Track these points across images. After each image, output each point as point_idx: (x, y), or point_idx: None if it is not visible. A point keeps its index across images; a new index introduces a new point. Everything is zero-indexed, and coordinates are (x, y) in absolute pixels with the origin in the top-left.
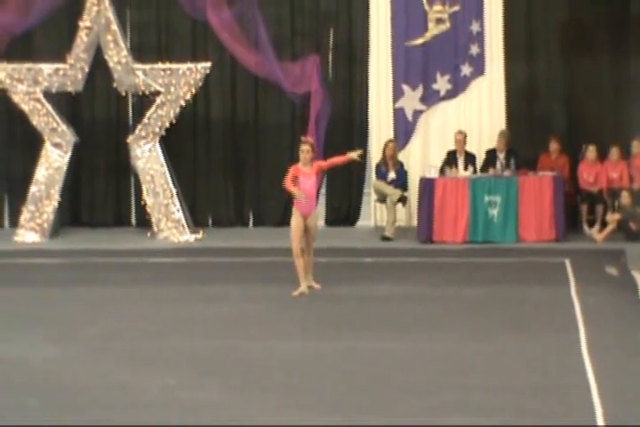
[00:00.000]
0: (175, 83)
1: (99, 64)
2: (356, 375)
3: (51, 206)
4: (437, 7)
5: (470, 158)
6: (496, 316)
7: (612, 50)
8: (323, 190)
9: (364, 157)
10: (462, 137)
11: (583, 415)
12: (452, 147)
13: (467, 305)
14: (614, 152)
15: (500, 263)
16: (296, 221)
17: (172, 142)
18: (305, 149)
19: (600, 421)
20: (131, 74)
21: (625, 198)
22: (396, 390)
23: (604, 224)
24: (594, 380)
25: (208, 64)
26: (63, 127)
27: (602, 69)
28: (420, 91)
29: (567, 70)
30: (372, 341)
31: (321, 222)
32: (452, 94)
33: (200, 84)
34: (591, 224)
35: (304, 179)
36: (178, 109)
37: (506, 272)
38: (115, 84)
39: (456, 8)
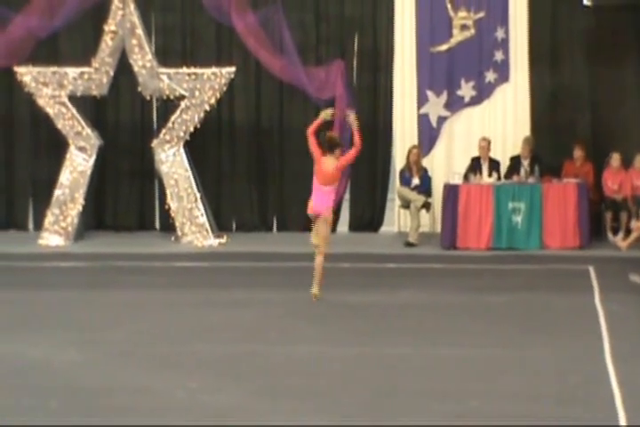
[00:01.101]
0: (200, 87)
1: (124, 68)
2: (376, 381)
3: (75, 210)
4: (462, 13)
5: (494, 165)
6: (519, 323)
7: (636, 57)
8: (347, 196)
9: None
10: (486, 144)
11: (607, 423)
12: (475, 153)
13: (490, 312)
14: (638, 160)
15: (524, 270)
16: (309, 206)
17: (196, 147)
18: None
19: None
20: (155, 78)
21: None
22: (417, 396)
23: (628, 232)
24: (617, 388)
25: (233, 69)
26: (88, 131)
27: (626, 76)
28: (444, 97)
29: (592, 77)
30: (393, 346)
31: (345, 228)
32: (476, 101)
33: (225, 88)
34: (615, 232)
35: (325, 160)
36: (202, 114)
37: (529, 279)
38: (139, 89)
39: (481, 14)
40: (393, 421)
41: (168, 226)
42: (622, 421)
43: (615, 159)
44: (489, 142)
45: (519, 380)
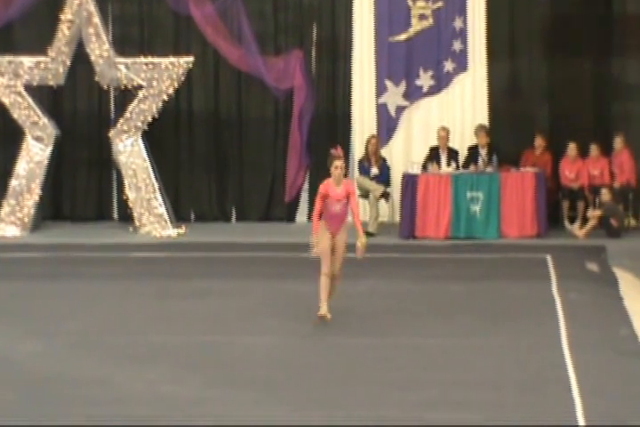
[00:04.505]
0: (157, 77)
1: (80, 57)
2: (338, 371)
3: (32, 200)
4: (421, 3)
5: (453, 154)
6: (478, 312)
7: (594, 48)
8: (306, 186)
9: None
10: (445, 133)
11: (564, 411)
12: (434, 143)
13: (449, 301)
14: (594, 149)
15: (482, 259)
16: (323, 238)
17: (154, 137)
18: (339, 165)
19: (580, 416)
20: (113, 68)
21: (605, 195)
22: (378, 386)
23: (585, 220)
24: (574, 375)
25: (190, 58)
26: (44, 121)
27: (584, 67)
28: (402, 87)
29: (549, 67)
30: (354, 336)
31: (304, 218)
32: (434, 90)
33: (182, 78)
34: (572, 220)
35: (333, 201)
36: (160, 104)
37: (488, 268)
38: (96, 78)
39: (439, 4)
40: (354, 410)
41: (126, 216)
42: (579, 407)
43: (572, 149)
44: (448, 132)
45: (478, 368)
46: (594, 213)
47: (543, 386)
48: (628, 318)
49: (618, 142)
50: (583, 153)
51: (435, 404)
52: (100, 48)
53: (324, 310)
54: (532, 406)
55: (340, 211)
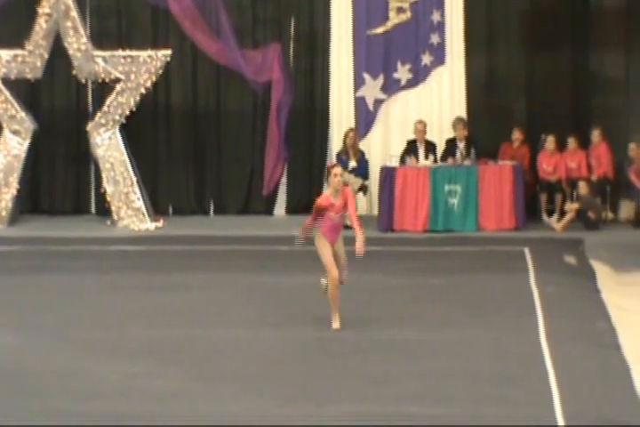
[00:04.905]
0: (135, 70)
1: (58, 51)
2: (316, 364)
3: (9, 194)
4: None
5: (431, 147)
6: (456, 304)
7: (571, 42)
8: (284, 179)
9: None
10: (422, 126)
11: (542, 403)
12: (412, 136)
13: (427, 294)
14: (572, 142)
15: (460, 252)
16: (322, 242)
17: (132, 130)
18: (338, 173)
19: (558, 409)
20: (90, 61)
21: (583, 188)
22: (356, 379)
23: (562, 213)
24: (552, 368)
25: (169, 52)
26: (22, 114)
27: (561, 60)
28: (380, 80)
29: (527, 60)
30: (331, 330)
31: (282, 211)
32: (412, 84)
33: (161, 71)
34: (550, 213)
35: (332, 213)
36: (138, 97)
37: (466, 261)
38: (74, 72)
39: None
40: (330, 404)
41: (104, 210)
42: (556, 399)
43: (550, 142)
44: (425, 125)
45: (455, 361)
46: (571, 206)
47: (521, 379)
48: (606, 310)
49: (595, 135)
50: (561, 146)
51: (412, 397)
52: (77, 41)
53: (336, 324)
54: (509, 400)
55: (338, 221)
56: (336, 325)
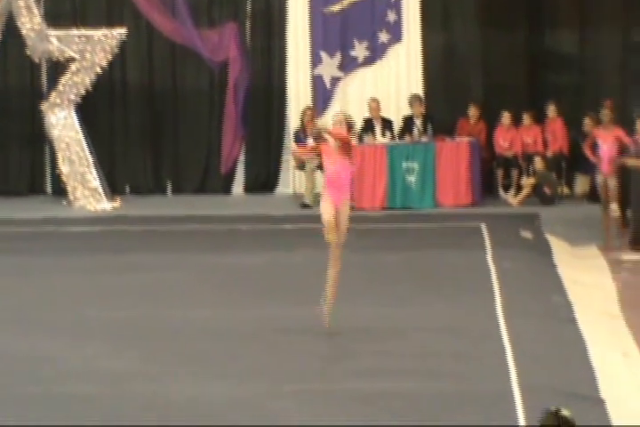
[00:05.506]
0: (90, 49)
1: (11, 31)
2: (275, 343)
3: None
4: None
5: (387, 124)
6: (414, 281)
7: (527, 19)
8: (242, 157)
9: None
10: (376, 104)
11: (498, 378)
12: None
13: (385, 271)
14: (527, 118)
15: (418, 229)
16: (326, 206)
17: (88, 110)
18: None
19: (514, 383)
20: (44, 40)
21: (538, 163)
22: (315, 357)
23: (519, 189)
24: (509, 343)
25: (124, 30)
26: None
27: (516, 37)
28: (337, 58)
29: (483, 37)
30: (291, 308)
31: (240, 189)
32: (369, 61)
33: (116, 50)
34: (506, 189)
35: (330, 161)
36: (94, 76)
37: (424, 237)
38: (28, 51)
39: None
40: (290, 383)
41: (60, 190)
42: (513, 375)
43: (506, 117)
44: (378, 103)
45: (413, 337)
46: (527, 181)
47: (478, 354)
48: (562, 285)
49: (551, 110)
50: (517, 122)
51: (370, 374)
52: (31, 21)
53: (327, 322)
54: (467, 375)
55: (336, 174)
56: (327, 325)
